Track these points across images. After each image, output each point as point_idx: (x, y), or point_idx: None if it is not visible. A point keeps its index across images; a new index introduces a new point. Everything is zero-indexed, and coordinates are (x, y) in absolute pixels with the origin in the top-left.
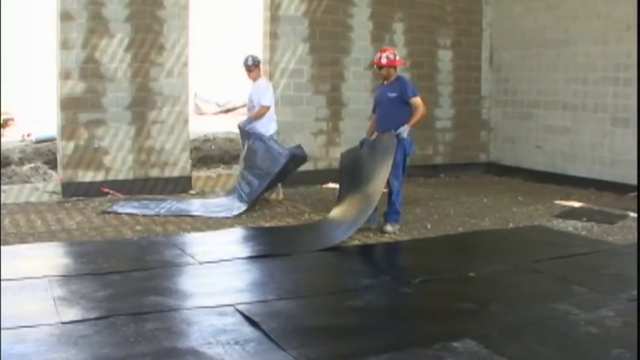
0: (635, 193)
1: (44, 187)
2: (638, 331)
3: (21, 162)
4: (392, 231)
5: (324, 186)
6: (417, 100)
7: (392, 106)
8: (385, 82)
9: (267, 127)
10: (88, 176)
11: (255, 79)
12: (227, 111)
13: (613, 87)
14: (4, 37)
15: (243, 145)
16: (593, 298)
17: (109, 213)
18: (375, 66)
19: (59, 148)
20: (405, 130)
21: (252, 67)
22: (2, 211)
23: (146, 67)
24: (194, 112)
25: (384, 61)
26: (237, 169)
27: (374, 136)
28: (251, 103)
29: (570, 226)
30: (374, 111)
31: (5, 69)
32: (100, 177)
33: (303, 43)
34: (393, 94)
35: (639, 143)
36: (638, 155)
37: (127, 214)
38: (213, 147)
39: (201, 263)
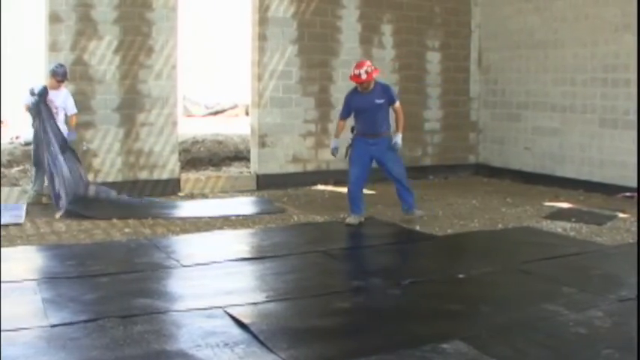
0: (625, 194)
1: (33, 190)
2: (639, 330)
3: (10, 164)
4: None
5: (313, 187)
6: (398, 106)
7: (380, 111)
8: (362, 90)
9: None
10: None
11: (57, 88)
12: (216, 113)
13: (601, 88)
14: None
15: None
16: (582, 299)
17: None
18: (355, 82)
19: None
20: (399, 139)
21: (63, 77)
22: None
23: (135, 69)
24: (183, 114)
25: (364, 77)
26: (225, 171)
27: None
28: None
29: (559, 227)
30: (343, 117)
31: None
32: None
33: (292, 45)
34: (381, 100)
35: (639, 144)
36: (639, 156)
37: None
38: (202, 149)
39: (189, 265)
